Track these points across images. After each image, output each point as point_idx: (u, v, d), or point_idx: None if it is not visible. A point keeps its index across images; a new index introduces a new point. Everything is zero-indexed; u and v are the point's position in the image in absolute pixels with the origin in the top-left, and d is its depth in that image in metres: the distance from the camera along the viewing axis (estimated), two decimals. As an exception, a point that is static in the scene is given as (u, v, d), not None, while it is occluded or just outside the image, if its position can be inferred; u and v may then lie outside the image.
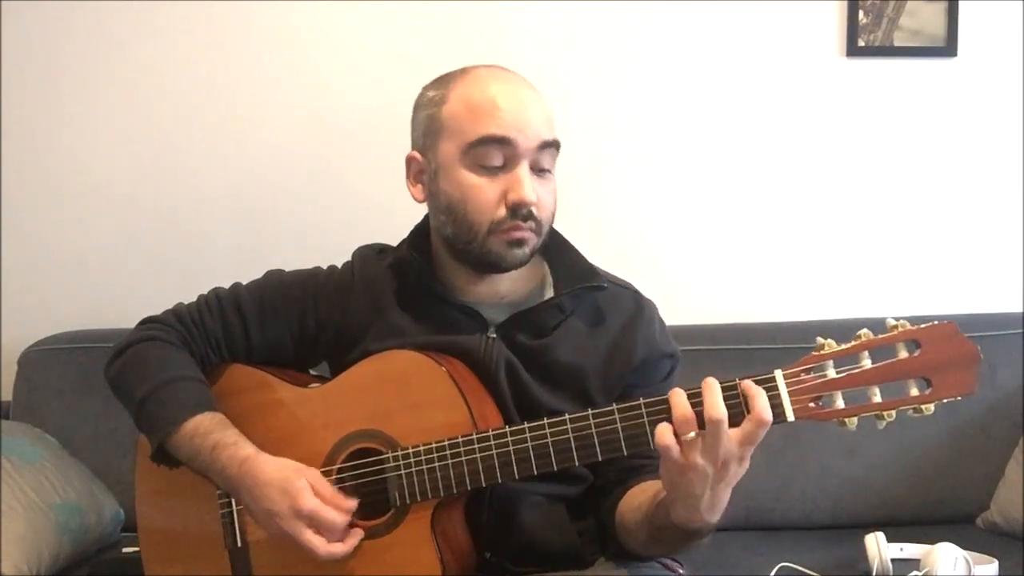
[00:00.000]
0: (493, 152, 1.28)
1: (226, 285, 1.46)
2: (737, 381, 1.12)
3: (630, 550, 1.32)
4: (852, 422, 1.11)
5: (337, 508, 1.24)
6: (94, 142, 2.24)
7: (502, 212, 1.28)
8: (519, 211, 1.28)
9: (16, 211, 2.25)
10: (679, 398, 1.11)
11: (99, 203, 2.25)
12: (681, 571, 1.40)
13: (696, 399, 1.11)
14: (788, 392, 1.11)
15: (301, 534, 1.23)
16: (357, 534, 1.26)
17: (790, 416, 1.11)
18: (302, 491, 1.23)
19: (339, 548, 1.24)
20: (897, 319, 1.12)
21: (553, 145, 1.31)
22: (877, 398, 1.10)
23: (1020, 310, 2.20)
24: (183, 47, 2.22)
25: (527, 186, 1.27)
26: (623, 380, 1.35)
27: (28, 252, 2.26)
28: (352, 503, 1.26)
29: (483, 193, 1.28)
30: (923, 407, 1.10)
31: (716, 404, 1.08)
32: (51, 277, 2.26)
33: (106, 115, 2.23)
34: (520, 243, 1.30)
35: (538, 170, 1.31)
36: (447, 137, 1.31)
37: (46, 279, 2.26)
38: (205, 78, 2.23)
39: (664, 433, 1.10)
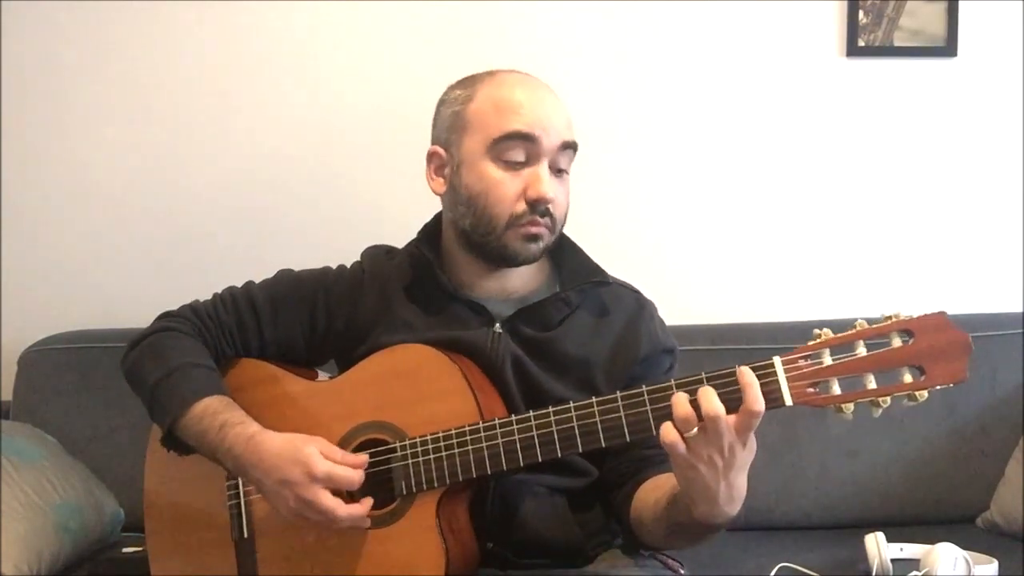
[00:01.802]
0: (517, 148, 1.33)
1: (227, 286, 1.49)
2: (736, 367, 1.15)
3: (646, 543, 1.35)
4: (848, 408, 1.13)
5: (351, 465, 1.26)
6: (94, 142, 2.24)
7: (521, 207, 1.33)
8: (538, 207, 1.33)
9: (16, 211, 2.25)
10: (679, 398, 1.13)
11: (99, 203, 2.25)
12: (682, 571, 1.41)
13: (695, 391, 1.13)
14: (786, 378, 1.14)
15: (319, 498, 1.24)
16: (368, 500, 1.27)
17: (788, 401, 1.14)
18: (313, 456, 1.25)
19: (358, 509, 1.26)
20: (892, 314, 1.14)
21: (572, 147, 1.37)
22: (872, 385, 1.13)
23: (1020, 310, 2.20)
24: (184, 47, 2.22)
25: (547, 183, 1.32)
26: (626, 373, 1.38)
27: (28, 252, 2.26)
28: (363, 458, 1.27)
29: (504, 187, 1.33)
30: (917, 394, 1.12)
31: (712, 402, 1.10)
32: (51, 277, 2.26)
33: (106, 115, 2.23)
34: (536, 238, 1.34)
35: (556, 170, 1.36)
36: (472, 133, 1.35)
37: (46, 279, 2.26)
38: (206, 78, 2.23)
39: (668, 431, 1.12)
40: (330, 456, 1.26)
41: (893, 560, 1.72)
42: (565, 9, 2.21)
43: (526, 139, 1.32)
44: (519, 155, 1.33)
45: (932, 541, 1.74)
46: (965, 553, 1.69)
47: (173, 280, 2.20)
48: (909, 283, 2.27)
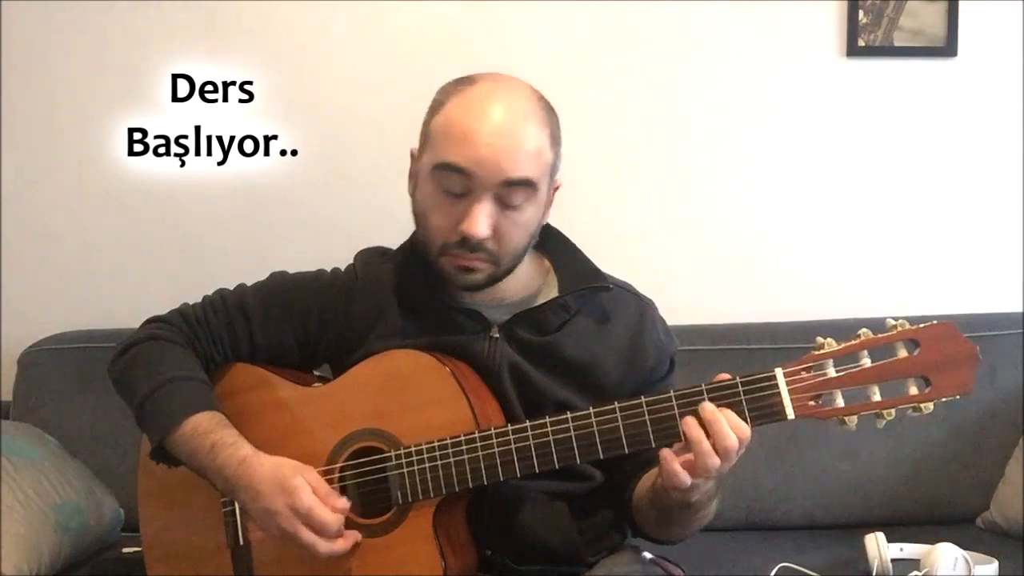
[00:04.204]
0: (454, 178, 1.27)
1: (226, 286, 1.46)
2: (738, 379, 1.14)
3: (647, 535, 1.35)
4: (852, 421, 1.13)
5: (332, 508, 1.24)
6: (94, 142, 2.23)
7: (454, 237, 1.28)
8: (467, 242, 1.28)
9: (16, 211, 2.25)
10: (703, 448, 1.14)
11: (99, 203, 2.25)
12: (681, 571, 1.40)
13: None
14: (788, 390, 1.13)
15: (299, 532, 1.23)
16: (355, 534, 1.26)
17: (790, 414, 1.13)
18: (299, 489, 1.23)
19: (339, 545, 1.24)
20: (896, 319, 1.13)
21: (522, 183, 1.27)
22: (876, 397, 1.12)
23: (1020, 310, 2.20)
24: (184, 47, 2.22)
25: (477, 221, 1.26)
26: (635, 384, 1.36)
27: (28, 252, 2.25)
28: (345, 504, 1.26)
29: (440, 214, 1.29)
30: (922, 406, 1.11)
31: (728, 436, 1.13)
32: (51, 277, 2.26)
33: (106, 115, 2.23)
34: (469, 270, 1.30)
35: (505, 205, 1.29)
36: (427, 149, 1.32)
37: (46, 279, 2.26)
38: (206, 77, 2.22)
39: (679, 475, 1.15)
40: (317, 490, 1.24)
41: (893, 560, 1.72)
42: (564, 9, 2.21)
43: (459, 172, 1.26)
44: (456, 186, 1.27)
45: (932, 541, 1.73)
46: (965, 553, 1.69)
47: (173, 280, 2.19)
48: (909, 283, 2.27)
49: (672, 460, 1.15)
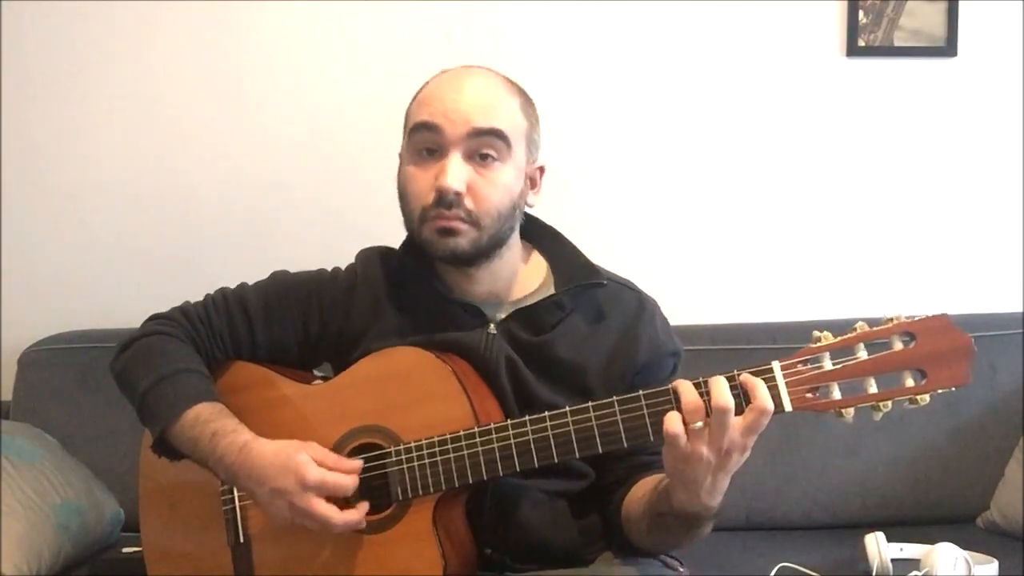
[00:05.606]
0: (425, 139, 1.31)
1: (227, 286, 1.47)
2: (736, 373, 1.14)
3: (634, 543, 1.33)
4: (849, 413, 1.13)
5: (344, 470, 1.25)
6: (94, 142, 2.24)
7: (430, 199, 1.30)
8: (443, 198, 1.28)
9: (16, 211, 2.25)
10: (687, 386, 1.13)
11: (99, 203, 2.25)
12: (682, 570, 1.40)
13: (702, 390, 1.13)
14: (785, 383, 1.13)
15: (313, 506, 1.22)
16: (364, 505, 1.26)
17: (788, 407, 1.13)
18: (305, 464, 1.23)
19: (353, 515, 1.24)
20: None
21: (491, 134, 1.29)
22: (873, 389, 1.12)
23: (1020, 310, 2.21)
24: (185, 47, 2.22)
25: (449, 173, 1.27)
26: (625, 380, 1.35)
27: (28, 252, 2.26)
28: (357, 463, 1.26)
29: (417, 181, 1.32)
30: (918, 398, 1.11)
31: (723, 394, 1.10)
32: (51, 277, 2.26)
33: (106, 115, 2.23)
34: (449, 232, 1.30)
35: (479, 157, 1.30)
36: (405, 134, 1.36)
37: (46, 279, 2.26)
38: (206, 78, 2.23)
39: (674, 421, 1.11)
40: (323, 462, 1.24)
41: (893, 560, 1.72)
42: (564, 8, 2.21)
43: (430, 129, 1.29)
44: (428, 143, 1.30)
45: (932, 541, 1.73)
46: (965, 553, 1.69)
47: (173, 280, 2.19)
48: (909, 283, 2.27)
49: (676, 419, 1.11)
